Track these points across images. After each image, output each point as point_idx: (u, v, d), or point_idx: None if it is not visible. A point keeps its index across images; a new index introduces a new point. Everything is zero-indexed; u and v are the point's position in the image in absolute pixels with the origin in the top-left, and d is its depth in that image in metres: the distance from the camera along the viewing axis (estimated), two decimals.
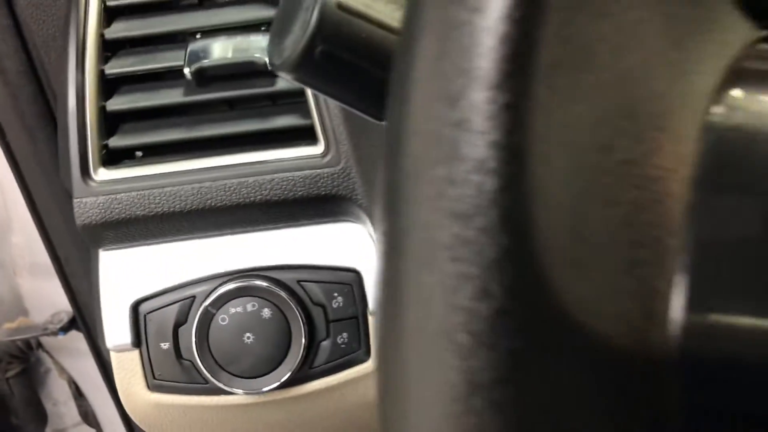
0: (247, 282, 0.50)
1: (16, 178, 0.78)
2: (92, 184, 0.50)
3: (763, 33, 0.20)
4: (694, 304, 0.15)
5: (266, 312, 0.50)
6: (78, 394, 1.12)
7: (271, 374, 0.50)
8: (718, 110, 0.17)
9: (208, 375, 0.50)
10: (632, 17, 0.16)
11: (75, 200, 0.50)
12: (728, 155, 0.16)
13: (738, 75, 0.18)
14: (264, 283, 0.50)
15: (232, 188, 0.50)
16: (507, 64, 0.14)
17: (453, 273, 0.15)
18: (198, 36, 0.52)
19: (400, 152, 0.16)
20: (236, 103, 0.53)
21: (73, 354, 1.07)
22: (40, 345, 1.06)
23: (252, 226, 0.52)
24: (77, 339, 1.02)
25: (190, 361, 0.51)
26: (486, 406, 0.14)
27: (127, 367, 0.52)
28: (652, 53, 0.16)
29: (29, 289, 0.99)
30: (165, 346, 0.51)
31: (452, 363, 0.15)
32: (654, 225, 0.16)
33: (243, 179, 0.50)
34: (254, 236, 0.52)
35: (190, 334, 0.50)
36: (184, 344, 0.51)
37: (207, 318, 0.50)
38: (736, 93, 0.17)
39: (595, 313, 0.15)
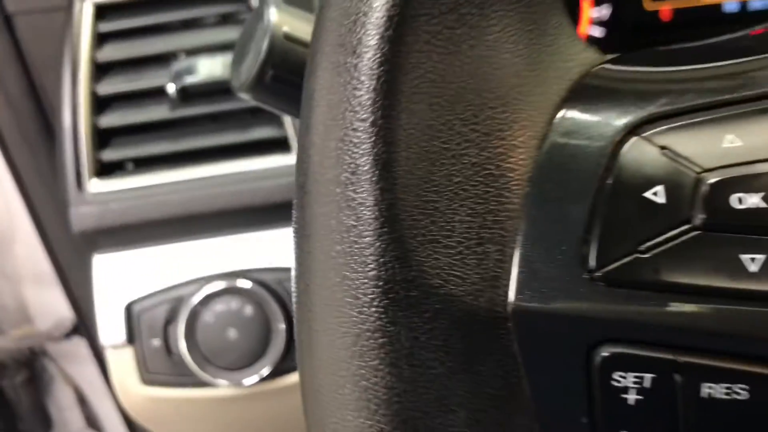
0: (232, 282, 0.55)
1: (18, 191, 0.82)
2: (86, 194, 0.54)
3: (607, 57, 0.24)
4: (523, 272, 0.20)
5: (248, 309, 0.54)
6: (82, 400, 1.16)
7: (254, 366, 0.54)
8: (555, 122, 0.21)
9: (196, 368, 0.54)
10: (477, 54, 0.20)
11: (71, 209, 0.54)
12: (557, 160, 0.20)
13: (575, 93, 0.22)
14: (247, 284, 0.55)
15: (214, 196, 0.55)
16: (376, 94, 0.18)
17: (341, 251, 0.19)
18: (182, 56, 0.56)
19: (304, 160, 0.20)
20: (218, 116, 0.57)
21: (76, 361, 1.11)
22: (45, 352, 1.10)
23: (235, 229, 0.56)
24: (81, 346, 1.06)
25: (179, 355, 0.55)
26: (366, 351, 0.19)
27: (122, 362, 0.57)
28: (496, 80, 0.20)
29: (33, 298, 1.03)
30: (156, 342, 0.55)
31: (341, 320, 0.19)
32: (496, 212, 0.20)
33: (224, 188, 0.55)
34: (237, 238, 0.56)
35: (179, 330, 0.54)
36: (173, 340, 0.55)
37: (194, 316, 0.54)
38: (569, 108, 0.21)
39: (447, 279, 0.19)
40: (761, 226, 0.19)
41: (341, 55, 0.19)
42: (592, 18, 0.66)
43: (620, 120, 0.21)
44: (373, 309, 0.19)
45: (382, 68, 0.19)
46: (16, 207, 0.89)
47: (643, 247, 0.19)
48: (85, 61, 0.56)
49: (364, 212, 0.19)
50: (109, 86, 0.56)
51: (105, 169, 0.56)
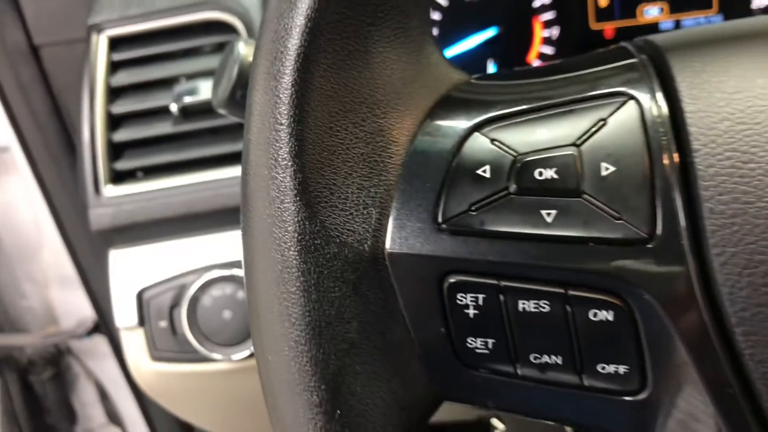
0: (227, 271, 0.64)
1: (45, 201, 0.92)
2: (103, 198, 0.64)
3: (473, 76, 0.33)
4: (394, 227, 0.28)
5: (241, 294, 0.63)
6: (103, 396, 1.25)
7: (245, 342, 0.63)
8: (424, 124, 0.30)
9: (197, 345, 0.63)
10: (364, 76, 0.29)
11: (90, 211, 0.64)
12: (421, 151, 0.29)
13: (440, 103, 0.31)
14: (241, 272, 0.64)
15: (212, 198, 0.64)
16: (290, 107, 0.27)
17: (269, 214, 0.28)
18: (183, 80, 0.66)
19: (245, 153, 0.29)
20: (214, 130, 0.67)
21: (98, 357, 1.20)
22: (69, 350, 1.19)
23: (229, 225, 0.65)
24: (102, 343, 1.15)
25: (182, 334, 0.64)
26: (287, 281, 0.27)
27: (134, 342, 0.66)
28: (378, 95, 0.29)
29: (58, 300, 1.13)
30: (163, 324, 0.65)
31: (269, 260, 0.28)
32: (377, 186, 0.28)
33: (220, 191, 0.64)
34: (232, 234, 0.65)
35: (183, 313, 0.64)
36: (177, 322, 0.64)
37: (195, 300, 0.63)
38: (434, 114, 0.30)
39: (342, 231, 0.28)
40: (554, 190, 0.28)
41: (268, 81, 0.28)
42: (543, 38, 0.75)
43: (467, 122, 0.30)
44: (291, 252, 0.28)
45: (293, 89, 0.28)
46: (43, 216, 0.98)
47: (474, 207, 0.28)
48: (101, 85, 0.65)
49: (284, 187, 0.28)
50: (121, 107, 0.66)
51: (119, 177, 0.66)
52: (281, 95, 0.28)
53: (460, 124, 0.30)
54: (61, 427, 1.27)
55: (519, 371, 0.29)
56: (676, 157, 0.27)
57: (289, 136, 0.28)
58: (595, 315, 0.27)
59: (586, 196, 0.27)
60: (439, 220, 0.28)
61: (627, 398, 0.28)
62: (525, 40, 0.75)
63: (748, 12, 0.73)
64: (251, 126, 0.29)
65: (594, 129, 0.28)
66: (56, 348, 1.17)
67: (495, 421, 0.69)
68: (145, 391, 0.69)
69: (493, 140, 0.29)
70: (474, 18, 0.75)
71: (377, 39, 0.30)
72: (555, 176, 0.28)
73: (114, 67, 0.67)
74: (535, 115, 0.30)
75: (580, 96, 0.30)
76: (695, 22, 0.75)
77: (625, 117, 0.28)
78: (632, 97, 0.29)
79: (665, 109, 0.28)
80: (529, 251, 0.28)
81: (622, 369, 0.28)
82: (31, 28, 0.79)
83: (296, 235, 0.28)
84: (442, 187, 0.29)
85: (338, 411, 0.28)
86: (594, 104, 0.29)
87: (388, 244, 0.29)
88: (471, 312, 0.28)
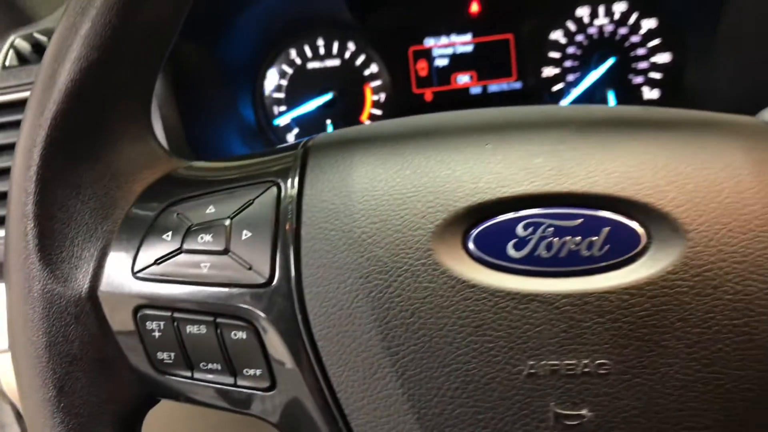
0: None
1: None
2: None
3: (193, 162, 0.45)
4: (105, 277, 0.41)
5: None
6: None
7: None
8: (138, 200, 0.42)
9: None
10: (96, 169, 0.41)
11: None
12: (130, 222, 0.42)
13: (155, 183, 0.43)
14: None
15: None
16: (32, 191, 0.40)
17: (17, 266, 0.40)
18: None
19: (5, 230, 0.41)
20: None
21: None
22: None
23: None
24: None
25: None
26: (28, 311, 0.40)
27: (7, 364, 0.77)
28: (105, 180, 0.41)
29: None
30: None
31: (19, 301, 0.40)
32: (95, 245, 0.41)
33: None
34: None
35: None
36: None
37: None
38: (145, 193, 0.42)
39: (67, 278, 0.40)
40: (210, 250, 0.40)
41: (20, 174, 0.41)
42: (373, 101, 0.88)
43: (166, 200, 0.42)
44: (32, 293, 0.40)
45: (35, 179, 0.40)
46: None
47: (158, 261, 0.40)
48: None
49: (27, 248, 0.40)
50: None
51: None
52: (26, 185, 0.40)
53: (160, 201, 0.42)
54: None
55: (195, 375, 0.41)
56: (293, 226, 0.40)
57: (31, 213, 0.40)
58: (235, 335, 0.40)
59: (231, 253, 0.40)
60: (135, 270, 0.41)
61: (265, 393, 0.41)
62: (358, 103, 0.88)
63: (539, 80, 0.87)
64: (9, 205, 0.41)
65: (244, 206, 0.41)
66: None
67: None
68: (21, 410, 0.80)
69: (178, 214, 0.42)
70: (313, 84, 0.87)
71: (103, 142, 0.42)
72: (211, 239, 0.40)
73: None
74: (212, 196, 0.42)
75: (243, 183, 0.42)
76: (499, 87, 0.88)
77: (267, 198, 0.41)
78: (276, 184, 0.41)
79: (295, 192, 0.41)
80: (192, 292, 0.40)
81: (258, 372, 0.40)
82: None
83: (34, 281, 0.40)
84: (139, 247, 0.41)
85: (62, 404, 0.40)
86: (250, 188, 0.41)
87: (101, 287, 0.41)
88: (156, 334, 0.41)
